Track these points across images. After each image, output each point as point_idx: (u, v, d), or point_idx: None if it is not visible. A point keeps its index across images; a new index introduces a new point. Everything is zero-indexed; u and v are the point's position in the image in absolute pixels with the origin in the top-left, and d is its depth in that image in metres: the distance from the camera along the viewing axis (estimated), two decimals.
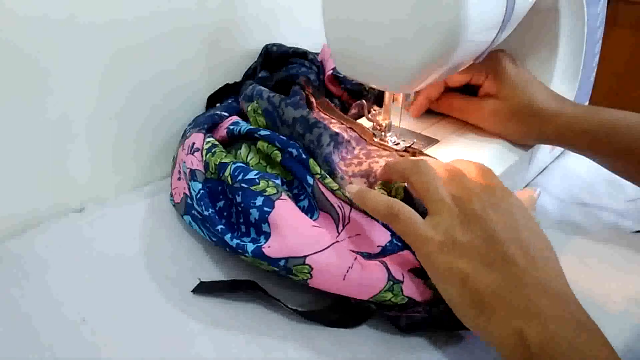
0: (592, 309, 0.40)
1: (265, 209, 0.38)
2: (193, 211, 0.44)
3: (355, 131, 0.49)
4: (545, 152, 0.56)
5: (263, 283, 0.40)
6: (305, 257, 0.36)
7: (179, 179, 0.47)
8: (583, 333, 0.28)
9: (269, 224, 0.38)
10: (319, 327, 0.38)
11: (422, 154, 0.47)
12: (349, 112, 0.57)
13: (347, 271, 0.36)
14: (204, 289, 0.40)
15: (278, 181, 0.41)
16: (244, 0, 0.59)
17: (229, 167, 0.42)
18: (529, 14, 0.45)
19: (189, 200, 0.44)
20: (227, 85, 0.59)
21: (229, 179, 0.42)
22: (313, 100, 0.53)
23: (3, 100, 0.43)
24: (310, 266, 0.36)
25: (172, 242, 0.46)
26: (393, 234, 0.39)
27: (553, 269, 0.32)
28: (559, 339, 0.28)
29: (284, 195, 0.39)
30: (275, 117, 0.46)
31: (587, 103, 0.62)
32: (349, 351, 0.36)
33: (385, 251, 0.38)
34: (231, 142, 0.49)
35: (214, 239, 0.41)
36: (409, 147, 0.49)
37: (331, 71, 0.60)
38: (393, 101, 0.49)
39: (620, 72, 1.45)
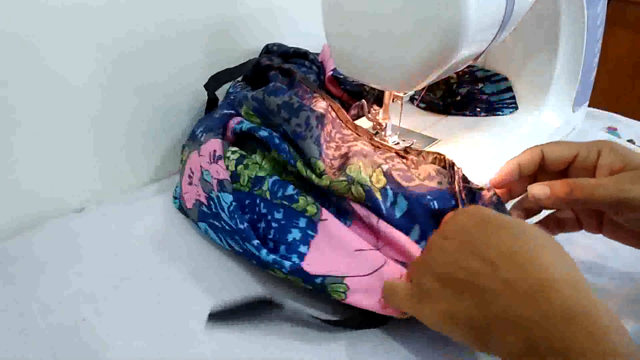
0: None
1: (309, 232, 0.39)
2: (211, 220, 0.43)
3: (333, 110, 0.49)
4: None
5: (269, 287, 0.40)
6: (343, 277, 0.36)
7: (190, 183, 0.47)
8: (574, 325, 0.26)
9: (309, 246, 0.38)
10: (318, 327, 0.38)
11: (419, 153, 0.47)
12: (349, 112, 0.57)
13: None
14: (218, 317, 0.38)
15: (317, 202, 0.41)
16: (245, 1, 0.59)
17: (266, 181, 0.42)
18: (529, 14, 0.45)
19: (204, 209, 0.44)
20: (216, 74, 0.58)
21: (268, 194, 0.41)
22: (288, 67, 0.52)
23: (3, 100, 0.43)
24: (347, 286, 0.36)
25: (172, 242, 0.46)
26: (418, 242, 0.39)
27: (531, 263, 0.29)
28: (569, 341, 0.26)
29: (324, 214, 0.39)
30: (265, 111, 0.46)
31: (587, 103, 0.62)
32: (349, 351, 0.36)
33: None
34: (238, 141, 0.49)
35: (240, 250, 0.41)
36: (409, 147, 0.49)
37: (331, 72, 0.60)
38: (393, 101, 0.49)
39: (621, 72, 1.45)
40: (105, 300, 0.40)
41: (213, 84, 0.57)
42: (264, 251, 0.38)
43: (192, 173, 0.47)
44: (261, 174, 0.43)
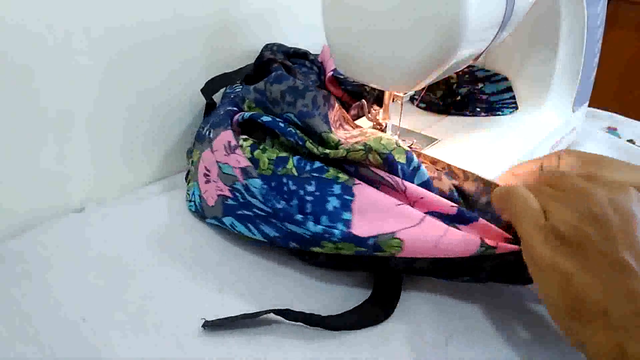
0: None
1: (346, 197, 0.38)
2: (240, 211, 0.43)
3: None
4: (544, 151, 0.56)
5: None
6: (395, 232, 0.36)
7: (208, 182, 0.46)
8: None
9: (351, 211, 0.38)
10: (318, 327, 0.38)
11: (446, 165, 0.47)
12: (349, 112, 0.57)
13: (440, 239, 0.36)
14: (214, 325, 0.38)
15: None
16: (245, 0, 0.59)
17: (290, 159, 0.42)
18: (529, 14, 0.45)
19: (230, 202, 0.43)
20: (213, 79, 0.58)
21: (294, 170, 0.41)
22: (289, 64, 0.52)
23: (3, 99, 0.43)
24: (400, 239, 0.36)
25: (174, 241, 0.46)
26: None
27: None
28: None
29: (357, 180, 0.39)
30: (265, 102, 0.46)
31: (587, 103, 0.62)
32: (349, 351, 0.36)
33: (462, 216, 0.37)
34: (244, 133, 0.48)
35: (276, 234, 0.40)
36: (409, 147, 0.49)
37: (331, 72, 0.60)
38: (393, 101, 0.49)
39: (621, 72, 1.45)
40: (106, 300, 0.40)
41: (210, 87, 0.57)
42: (310, 223, 0.38)
43: (209, 171, 0.47)
44: (282, 154, 0.43)
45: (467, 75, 0.60)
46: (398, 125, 0.51)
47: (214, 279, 0.42)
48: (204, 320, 0.37)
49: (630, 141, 0.66)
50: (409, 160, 0.39)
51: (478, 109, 0.59)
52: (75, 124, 0.49)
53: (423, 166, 0.40)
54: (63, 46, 0.45)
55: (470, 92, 0.59)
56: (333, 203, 0.39)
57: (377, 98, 0.57)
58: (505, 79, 0.59)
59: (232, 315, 0.37)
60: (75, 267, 0.43)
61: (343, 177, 0.40)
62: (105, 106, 0.50)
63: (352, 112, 0.57)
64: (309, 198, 0.39)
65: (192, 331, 0.37)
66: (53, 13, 0.44)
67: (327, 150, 0.41)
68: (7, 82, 0.43)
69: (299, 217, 0.39)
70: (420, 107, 0.61)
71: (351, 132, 0.45)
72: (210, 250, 0.45)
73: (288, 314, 0.37)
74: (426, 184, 0.39)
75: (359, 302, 0.39)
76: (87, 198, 0.52)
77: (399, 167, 0.39)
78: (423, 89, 0.58)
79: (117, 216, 0.50)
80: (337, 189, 0.39)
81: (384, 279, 0.41)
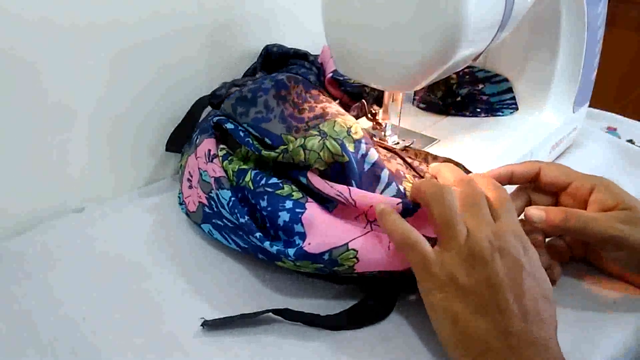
0: (592, 309, 0.40)
1: (297, 210, 0.39)
2: (214, 220, 0.43)
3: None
4: (545, 152, 0.56)
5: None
6: (347, 243, 0.37)
7: (190, 187, 0.47)
8: None
9: (302, 224, 0.38)
10: (317, 326, 0.38)
11: (424, 154, 0.47)
12: (348, 113, 0.57)
13: (390, 243, 0.37)
14: (213, 325, 0.38)
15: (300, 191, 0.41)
16: (245, 0, 0.59)
17: (249, 173, 0.42)
18: (529, 14, 0.45)
19: (206, 209, 0.44)
20: (172, 135, 0.56)
21: (251, 184, 0.42)
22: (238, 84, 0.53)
23: (3, 100, 0.44)
24: (355, 250, 0.37)
25: (173, 242, 0.46)
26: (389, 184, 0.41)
27: (545, 323, 0.32)
28: None
29: (310, 199, 0.40)
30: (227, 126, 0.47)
31: (587, 103, 0.62)
32: (348, 351, 0.36)
33: (407, 208, 0.38)
34: (225, 137, 0.49)
35: (245, 245, 0.41)
36: (409, 146, 0.49)
37: (331, 74, 0.60)
38: (393, 101, 0.49)
39: (621, 72, 1.45)
40: (105, 300, 0.40)
41: (175, 143, 0.55)
42: (267, 243, 0.38)
43: (191, 176, 0.47)
44: (244, 167, 0.44)
45: (467, 76, 0.60)
46: (398, 125, 0.51)
47: (213, 279, 0.42)
48: (203, 320, 0.37)
49: (630, 141, 0.66)
50: (357, 148, 0.41)
51: (478, 110, 0.59)
52: (76, 123, 0.49)
53: (372, 149, 0.41)
54: (65, 47, 0.45)
55: (471, 93, 0.59)
56: (283, 217, 0.39)
57: (377, 98, 0.57)
58: (506, 79, 0.59)
59: (231, 315, 0.37)
60: (75, 267, 0.43)
61: (297, 195, 0.40)
62: (106, 105, 0.50)
63: (352, 112, 0.57)
64: (264, 213, 0.40)
65: (191, 331, 0.37)
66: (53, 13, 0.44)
67: (285, 145, 0.41)
68: (9, 82, 0.43)
69: (258, 234, 0.39)
70: (420, 108, 0.61)
71: (314, 111, 0.45)
72: (209, 249, 0.45)
73: (287, 314, 0.37)
74: (377, 165, 0.41)
75: (356, 301, 0.39)
76: (87, 198, 0.52)
77: (351, 155, 0.40)
78: (423, 89, 0.58)
79: (117, 216, 0.50)
80: (289, 204, 0.39)
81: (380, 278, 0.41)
